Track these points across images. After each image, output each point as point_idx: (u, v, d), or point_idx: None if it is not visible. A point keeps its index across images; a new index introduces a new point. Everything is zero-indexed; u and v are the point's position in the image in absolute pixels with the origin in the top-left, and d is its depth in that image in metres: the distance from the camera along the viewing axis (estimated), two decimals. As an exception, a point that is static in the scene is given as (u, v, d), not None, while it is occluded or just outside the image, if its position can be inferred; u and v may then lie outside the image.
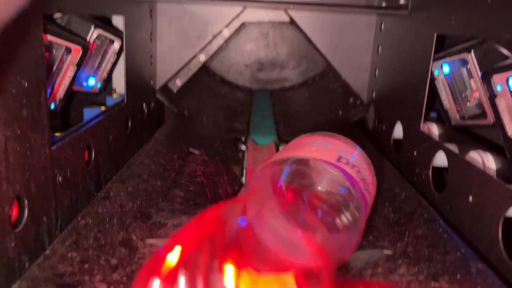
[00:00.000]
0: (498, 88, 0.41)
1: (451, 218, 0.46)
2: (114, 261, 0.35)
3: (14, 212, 0.35)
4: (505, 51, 0.46)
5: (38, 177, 0.38)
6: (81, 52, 0.48)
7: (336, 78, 1.04)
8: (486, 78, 0.42)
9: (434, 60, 0.55)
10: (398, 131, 0.65)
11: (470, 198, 0.43)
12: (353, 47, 0.83)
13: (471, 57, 0.49)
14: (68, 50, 0.46)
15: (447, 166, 0.48)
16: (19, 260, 0.35)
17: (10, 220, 0.34)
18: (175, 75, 0.86)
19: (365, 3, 0.78)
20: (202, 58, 0.90)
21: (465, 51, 0.50)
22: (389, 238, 0.41)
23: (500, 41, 0.47)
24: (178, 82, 0.89)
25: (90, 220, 0.39)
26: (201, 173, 0.57)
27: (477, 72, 0.49)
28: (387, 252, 0.39)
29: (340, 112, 0.90)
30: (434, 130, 0.58)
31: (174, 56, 0.83)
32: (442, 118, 0.60)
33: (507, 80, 0.40)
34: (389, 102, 0.71)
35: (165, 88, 0.87)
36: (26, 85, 0.35)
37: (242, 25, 1.11)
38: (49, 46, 0.45)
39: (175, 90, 0.90)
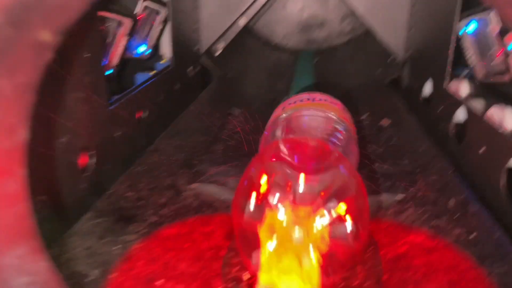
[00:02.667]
0: (510, 47, 0.43)
1: (466, 169, 0.49)
2: (163, 200, 0.42)
3: (84, 160, 0.43)
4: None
5: (100, 133, 0.46)
6: (131, 24, 0.55)
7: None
8: (502, 36, 0.44)
9: (462, 17, 0.56)
10: (428, 89, 0.68)
11: (481, 150, 0.46)
12: (390, 6, 0.84)
13: (493, 15, 0.50)
14: (119, 23, 0.53)
15: (466, 121, 0.51)
16: (90, 198, 0.44)
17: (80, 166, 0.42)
18: (218, 39, 0.91)
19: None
20: (243, 21, 0.94)
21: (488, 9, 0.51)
22: (403, 185, 0.46)
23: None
24: (221, 46, 0.95)
25: (143, 169, 0.46)
26: (240, 129, 0.63)
27: (498, 29, 0.50)
28: (399, 197, 0.44)
29: (379, 70, 0.92)
30: (464, 86, 0.60)
31: (216, 22, 0.88)
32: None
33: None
34: (423, 60, 0.73)
35: (209, 53, 0.93)
36: (87, 56, 0.42)
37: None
38: (103, 21, 0.51)
39: (218, 54, 0.95)
